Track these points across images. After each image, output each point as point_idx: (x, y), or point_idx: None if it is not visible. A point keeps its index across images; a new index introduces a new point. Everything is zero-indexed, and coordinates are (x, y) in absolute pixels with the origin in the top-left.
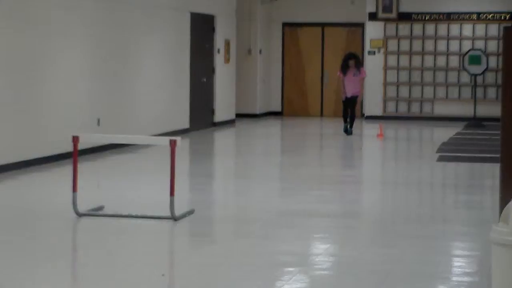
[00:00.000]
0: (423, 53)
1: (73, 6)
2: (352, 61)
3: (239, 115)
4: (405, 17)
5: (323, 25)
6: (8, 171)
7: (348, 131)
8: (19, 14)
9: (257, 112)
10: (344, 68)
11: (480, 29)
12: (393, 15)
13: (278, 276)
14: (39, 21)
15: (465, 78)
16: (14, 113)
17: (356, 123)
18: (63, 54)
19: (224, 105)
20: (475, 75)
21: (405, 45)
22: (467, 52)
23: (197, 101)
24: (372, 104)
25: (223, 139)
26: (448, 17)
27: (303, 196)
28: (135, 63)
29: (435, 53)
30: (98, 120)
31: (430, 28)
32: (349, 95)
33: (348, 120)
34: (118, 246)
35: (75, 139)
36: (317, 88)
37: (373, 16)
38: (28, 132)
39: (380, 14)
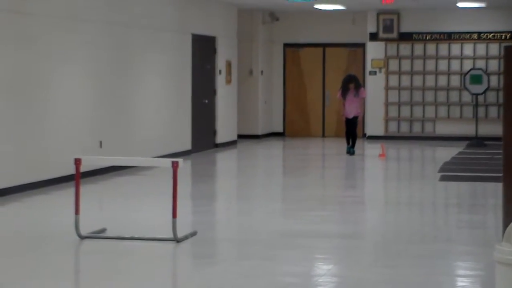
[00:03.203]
0: (424, 72)
1: (75, 28)
2: (352, 84)
3: (241, 136)
4: (406, 37)
5: (324, 46)
6: (11, 194)
7: (350, 151)
8: (21, 36)
9: (259, 133)
10: (344, 91)
11: (480, 48)
12: (394, 35)
13: None
14: (41, 43)
15: (467, 97)
16: (16, 136)
17: (358, 143)
18: (65, 77)
19: (226, 126)
20: (477, 95)
21: (406, 65)
22: (468, 72)
23: (199, 122)
24: (373, 124)
25: (225, 160)
26: (449, 37)
27: (306, 217)
28: (137, 85)
29: (436, 73)
30: (100, 143)
31: (431, 48)
32: (350, 116)
33: (350, 141)
34: (121, 268)
35: (77, 162)
36: (319, 109)
37: (374, 36)
38: (30, 154)
39: (381, 34)
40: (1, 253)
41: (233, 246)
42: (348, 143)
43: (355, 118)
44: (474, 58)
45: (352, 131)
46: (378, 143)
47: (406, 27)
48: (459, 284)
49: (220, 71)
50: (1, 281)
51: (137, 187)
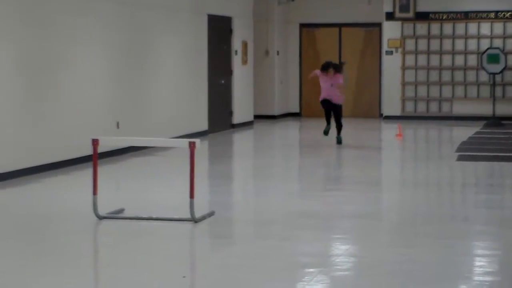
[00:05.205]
0: (441, 52)
1: (91, 9)
2: (330, 69)
3: (257, 117)
4: (422, 16)
5: (340, 26)
6: (29, 174)
7: (337, 139)
8: (38, 19)
9: (275, 113)
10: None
11: (498, 27)
12: (411, 14)
13: (298, 277)
14: (58, 25)
15: (484, 77)
16: (34, 117)
17: (375, 123)
18: (82, 58)
19: (242, 107)
20: (494, 74)
21: (422, 44)
22: (485, 51)
23: (216, 103)
24: (390, 104)
25: (241, 141)
26: (466, 16)
27: (323, 197)
28: (153, 66)
29: (453, 52)
30: (118, 123)
31: (447, 27)
32: (327, 97)
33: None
34: (139, 248)
35: (95, 142)
36: None
37: (390, 16)
38: (48, 135)
39: (398, 14)
40: (20, 233)
41: (251, 226)
42: (327, 122)
43: (337, 107)
44: (491, 37)
45: (336, 119)
46: (395, 123)
47: (422, 7)
48: (477, 264)
49: (236, 52)
50: (20, 261)
51: (155, 168)
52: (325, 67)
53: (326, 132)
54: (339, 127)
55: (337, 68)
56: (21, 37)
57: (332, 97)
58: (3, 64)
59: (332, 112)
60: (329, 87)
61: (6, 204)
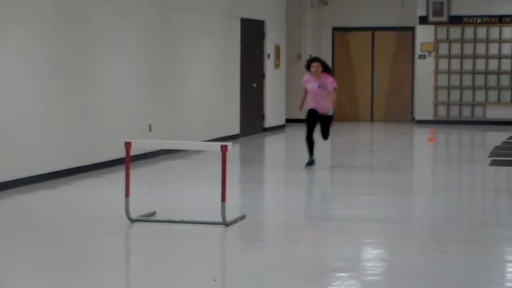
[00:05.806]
0: (474, 56)
1: (125, 13)
2: (316, 63)
3: (289, 120)
4: (456, 20)
5: (373, 30)
6: (61, 177)
7: (308, 161)
8: (72, 21)
9: None
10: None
11: None
12: (444, 18)
13: (329, 282)
14: (92, 28)
15: None
16: (67, 120)
17: (406, 128)
18: (115, 61)
19: (274, 111)
20: None
21: (456, 48)
22: None
23: (248, 106)
24: (423, 108)
25: (273, 145)
26: (500, 20)
27: (354, 201)
28: (186, 69)
29: (487, 57)
30: (150, 126)
31: (481, 31)
32: (318, 109)
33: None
34: (170, 251)
35: (128, 145)
36: (367, 93)
37: (423, 20)
38: (81, 138)
39: (431, 18)
40: (52, 235)
41: (281, 230)
42: (310, 151)
43: (326, 120)
44: None
45: (323, 132)
46: (427, 127)
47: (456, 10)
48: (510, 269)
49: (268, 56)
50: (52, 263)
51: (186, 171)
52: (309, 62)
53: (309, 164)
54: (327, 133)
55: (326, 66)
56: (55, 40)
57: (319, 104)
58: (38, 67)
59: (319, 124)
60: (317, 90)
61: (39, 207)
